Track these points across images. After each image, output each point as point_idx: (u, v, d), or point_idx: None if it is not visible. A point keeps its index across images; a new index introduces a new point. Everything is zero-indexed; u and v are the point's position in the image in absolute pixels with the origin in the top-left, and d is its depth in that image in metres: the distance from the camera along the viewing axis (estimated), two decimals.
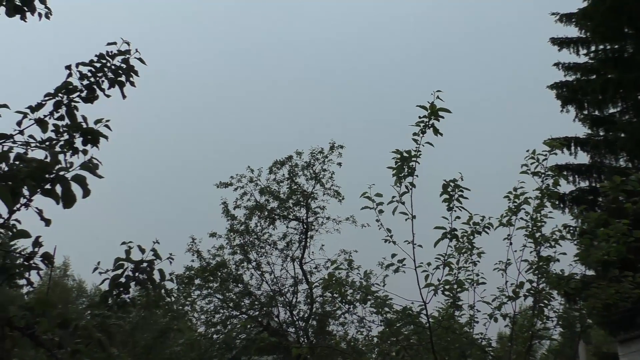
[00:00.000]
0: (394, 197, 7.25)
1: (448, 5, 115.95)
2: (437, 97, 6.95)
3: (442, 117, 7.00)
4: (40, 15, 4.75)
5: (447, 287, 7.71)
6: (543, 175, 7.95)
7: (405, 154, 7.18)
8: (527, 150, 8.00)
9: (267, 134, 69.52)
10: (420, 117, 7.07)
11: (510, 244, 8.06)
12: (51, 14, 4.78)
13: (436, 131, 7.02)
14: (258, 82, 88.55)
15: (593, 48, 22.29)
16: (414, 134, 7.14)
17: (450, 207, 7.49)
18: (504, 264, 8.13)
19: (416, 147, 7.18)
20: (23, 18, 4.68)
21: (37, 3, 4.63)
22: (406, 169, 7.19)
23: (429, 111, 7.00)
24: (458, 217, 7.53)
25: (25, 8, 4.64)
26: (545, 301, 7.95)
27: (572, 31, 22.65)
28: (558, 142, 8.14)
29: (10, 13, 4.65)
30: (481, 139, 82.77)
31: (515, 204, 8.03)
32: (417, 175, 7.21)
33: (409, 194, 7.20)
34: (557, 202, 18.07)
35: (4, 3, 4.60)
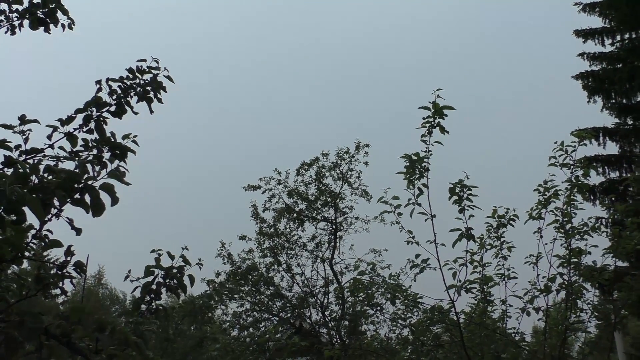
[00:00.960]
0: (410, 199, 7.26)
1: (455, 6, 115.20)
2: (438, 95, 6.95)
3: (447, 115, 7.00)
4: (63, 26, 4.82)
5: (470, 286, 7.67)
6: (572, 167, 7.87)
7: (414, 157, 7.18)
8: (556, 142, 7.92)
9: (296, 136, 69.70)
10: (424, 118, 7.07)
11: (541, 237, 8.01)
12: (74, 25, 4.85)
13: (443, 130, 7.00)
14: (284, 85, 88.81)
15: (619, 37, 22.01)
16: (422, 135, 7.14)
17: (462, 207, 7.46)
18: (534, 257, 8.08)
19: (426, 148, 7.18)
20: (47, 30, 4.75)
21: (59, 15, 4.70)
22: (417, 172, 7.18)
23: (433, 110, 7.00)
24: (472, 216, 7.48)
25: (48, 20, 4.71)
26: (578, 294, 7.88)
27: (596, 21, 22.40)
28: (587, 132, 8.04)
29: (34, 26, 4.73)
30: (504, 134, 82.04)
31: (545, 196, 7.96)
32: (427, 176, 7.18)
33: (425, 195, 7.19)
34: (587, 194, 17.90)
35: (28, 16, 4.68)
